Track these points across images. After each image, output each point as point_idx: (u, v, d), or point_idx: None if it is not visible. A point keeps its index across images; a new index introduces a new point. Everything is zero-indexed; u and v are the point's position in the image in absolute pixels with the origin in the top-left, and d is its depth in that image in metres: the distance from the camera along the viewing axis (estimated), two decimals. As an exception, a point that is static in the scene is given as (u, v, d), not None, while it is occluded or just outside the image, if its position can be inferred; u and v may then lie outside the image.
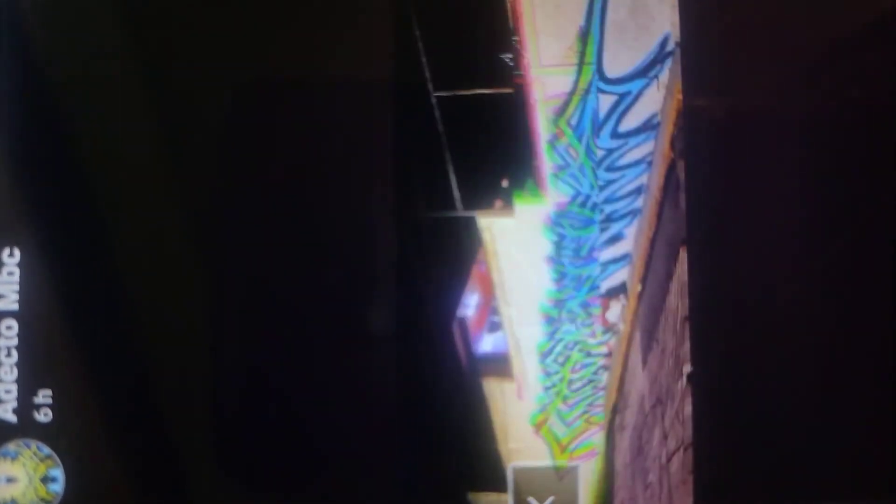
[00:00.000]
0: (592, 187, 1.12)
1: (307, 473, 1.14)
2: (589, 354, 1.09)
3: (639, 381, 1.13)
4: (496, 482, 1.13)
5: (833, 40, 1.15)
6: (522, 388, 1.13)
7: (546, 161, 1.13)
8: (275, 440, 1.13)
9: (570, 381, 1.09)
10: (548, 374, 1.09)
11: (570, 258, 1.13)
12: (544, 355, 1.10)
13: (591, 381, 1.10)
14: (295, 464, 1.13)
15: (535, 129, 1.12)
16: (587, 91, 1.10)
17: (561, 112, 1.10)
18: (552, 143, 1.12)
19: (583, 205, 1.13)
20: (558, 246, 1.13)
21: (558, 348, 1.10)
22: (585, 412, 1.10)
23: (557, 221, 1.13)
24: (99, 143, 1.12)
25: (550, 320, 1.11)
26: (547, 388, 1.09)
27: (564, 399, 1.09)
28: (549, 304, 1.11)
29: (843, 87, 1.14)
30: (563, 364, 1.09)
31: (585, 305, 1.08)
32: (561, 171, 1.12)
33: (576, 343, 1.09)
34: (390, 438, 1.16)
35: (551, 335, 1.10)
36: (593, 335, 1.09)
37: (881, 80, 1.14)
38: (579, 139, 1.11)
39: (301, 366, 1.12)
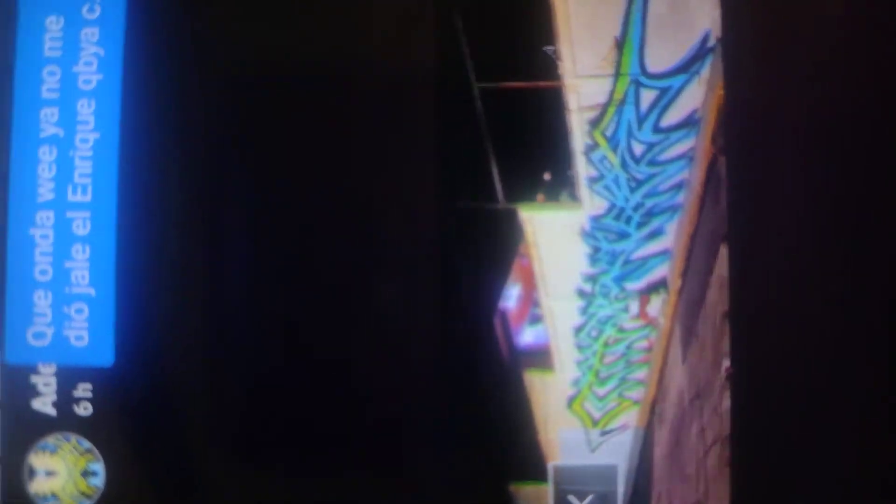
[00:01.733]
0: (627, 199, 1.12)
1: (349, 464, 1.14)
2: (622, 329, 1.10)
3: (678, 376, 1.13)
4: (537, 473, 1.13)
5: (875, 34, 1.14)
6: (558, 364, 1.13)
7: (582, 169, 1.13)
8: (315, 431, 1.12)
9: (604, 356, 1.09)
10: (581, 348, 1.10)
11: (607, 259, 1.13)
12: (578, 330, 1.10)
13: (623, 356, 1.10)
14: (336, 455, 1.12)
15: (572, 135, 1.11)
16: (623, 102, 1.10)
17: (597, 122, 1.10)
18: (588, 153, 1.11)
19: (618, 217, 1.13)
20: (594, 255, 1.13)
21: (592, 323, 1.10)
22: (618, 387, 1.10)
23: (592, 233, 1.13)
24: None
25: (584, 295, 1.11)
26: (580, 363, 1.09)
27: (598, 374, 1.09)
28: (584, 280, 1.11)
29: (885, 81, 1.13)
30: (596, 338, 1.10)
31: (619, 280, 1.08)
32: (596, 182, 1.12)
33: (609, 318, 1.09)
34: (432, 429, 1.15)
35: (584, 310, 1.10)
36: (626, 310, 1.09)
37: None
38: (614, 150, 1.11)
39: (344, 358, 1.12)
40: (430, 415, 1.19)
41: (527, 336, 1.20)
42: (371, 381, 1.17)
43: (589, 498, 1.16)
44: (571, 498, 1.15)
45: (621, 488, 1.17)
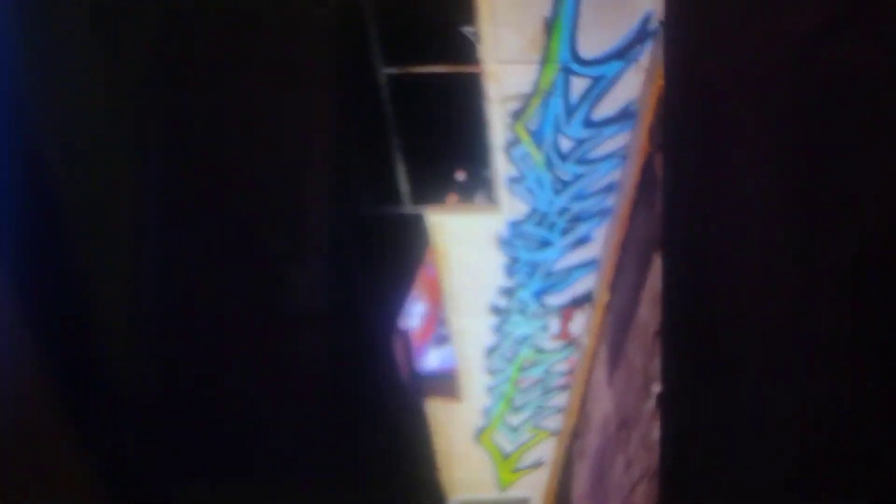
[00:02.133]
0: (551, 203, 0.97)
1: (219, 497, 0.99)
2: (540, 350, 0.94)
3: (602, 402, 0.99)
4: (436, 519, 0.99)
5: (825, 22, 0.99)
6: (466, 391, 0.98)
7: (501, 168, 0.98)
8: (193, 460, 0.97)
9: (519, 381, 0.93)
10: (493, 373, 0.94)
11: (526, 270, 0.98)
12: (490, 351, 0.94)
13: (541, 381, 0.95)
14: (225, 490, 0.98)
15: (490, 129, 0.96)
16: (550, 92, 0.95)
17: (519, 115, 0.95)
18: (508, 149, 0.96)
19: (540, 223, 0.98)
20: (511, 266, 0.98)
21: (507, 343, 0.94)
22: (534, 417, 0.95)
23: (511, 241, 0.98)
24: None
25: (498, 312, 0.96)
26: (491, 389, 0.94)
27: (511, 402, 0.93)
28: (499, 295, 0.95)
29: (837, 69, 0.98)
30: (510, 360, 0.94)
31: (538, 295, 0.93)
32: (517, 182, 0.96)
33: (526, 337, 0.94)
34: (317, 465, 1.01)
35: (498, 328, 0.94)
36: (545, 328, 0.93)
37: (875, 62, 0.99)
38: (539, 146, 0.95)
39: (224, 386, 0.97)
40: (315, 450, 1.06)
41: (431, 359, 1.06)
42: (249, 408, 1.04)
43: (498, 536, 1.03)
44: (477, 536, 1.02)
45: (535, 528, 1.04)
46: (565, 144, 1.07)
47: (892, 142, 1.15)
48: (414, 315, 1.10)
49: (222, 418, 1.07)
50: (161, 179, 1.06)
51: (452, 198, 1.03)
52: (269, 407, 1.05)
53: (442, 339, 1.14)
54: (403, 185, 1.01)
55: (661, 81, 1.10)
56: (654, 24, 1.10)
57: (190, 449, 1.08)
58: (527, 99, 1.05)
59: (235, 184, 1.04)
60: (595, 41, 1.11)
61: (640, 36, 1.11)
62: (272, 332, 1.04)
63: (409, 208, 1.02)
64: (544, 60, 1.07)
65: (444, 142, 1.04)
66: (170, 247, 1.08)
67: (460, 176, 1.03)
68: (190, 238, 1.07)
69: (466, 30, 1.04)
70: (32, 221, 1.05)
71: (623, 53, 1.10)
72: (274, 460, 1.05)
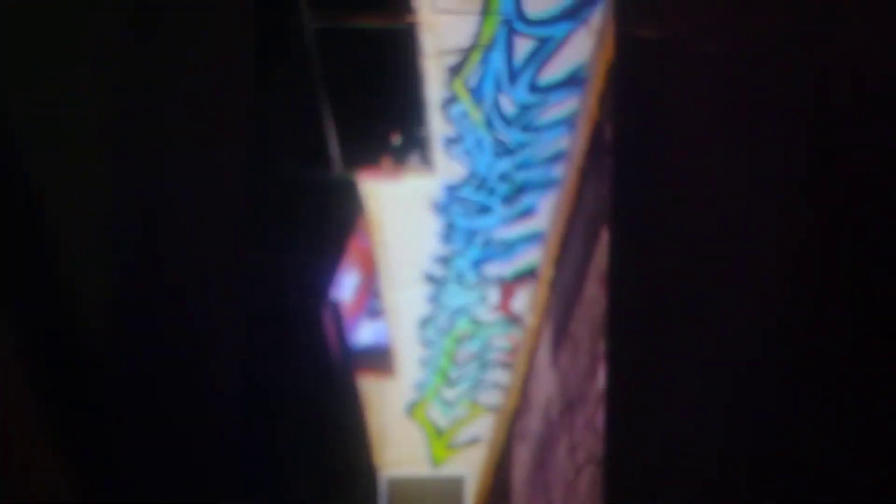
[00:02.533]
0: (491, 167, 0.91)
1: (144, 473, 0.95)
2: (478, 323, 0.89)
3: (546, 383, 0.95)
4: (368, 493, 0.94)
5: None
6: (398, 364, 0.93)
7: (437, 128, 0.92)
8: (111, 435, 0.93)
9: (455, 354, 0.88)
10: (428, 345, 0.89)
11: (463, 238, 0.93)
12: (424, 323, 0.89)
13: (478, 354, 0.90)
14: (132, 461, 0.93)
15: (426, 85, 0.91)
16: (491, 47, 0.89)
17: (457, 70, 0.89)
18: (445, 108, 0.90)
19: (479, 187, 0.92)
20: (447, 234, 0.92)
21: (441, 316, 0.89)
22: (471, 391, 0.90)
23: (447, 207, 0.93)
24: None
25: (433, 281, 0.91)
26: (425, 362, 0.89)
27: (446, 376, 0.88)
28: (434, 263, 0.90)
29: (789, 39, 0.96)
30: (446, 332, 0.89)
31: (477, 264, 0.88)
32: (454, 144, 0.91)
33: (462, 308, 0.88)
34: (241, 441, 0.96)
35: (434, 299, 0.89)
36: (484, 300, 0.88)
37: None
38: (478, 105, 0.90)
39: (137, 359, 0.91)
40: (238, 426, 1.01)
41: (363, 334, 1.01)
42: (169, 384, 0.98)
43: (430, 517, 0.99)
44: (408, 515, 0.98)
45: (469, 504, 1.00)
46: (509, 109, 1.02)
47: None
48: (345, 287, 1.06)
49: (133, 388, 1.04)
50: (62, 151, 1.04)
51: (386, 160, 0.98)
52: (185, 385, 1.01)
53: (375, 313, 1.10)
54: (333, 146, 0.97)
55: (613, 44, 1.05)
56: None
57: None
58: (466, 53, 1.00)
59: (151, 142, 0.99)
60: (540, 1, 1.07)
61: None
62: (188, 309, 1.00)
63: (339, 173, 0.97)
64: (485, 11, 1.02)
65: (377, 100, 0.99)
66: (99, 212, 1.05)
67: (394, 138, 0.98)
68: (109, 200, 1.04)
69: None
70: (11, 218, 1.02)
71: (572, 14, 1.05)
72: (189, 444, 1.02)
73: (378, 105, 0.97)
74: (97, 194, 1.02)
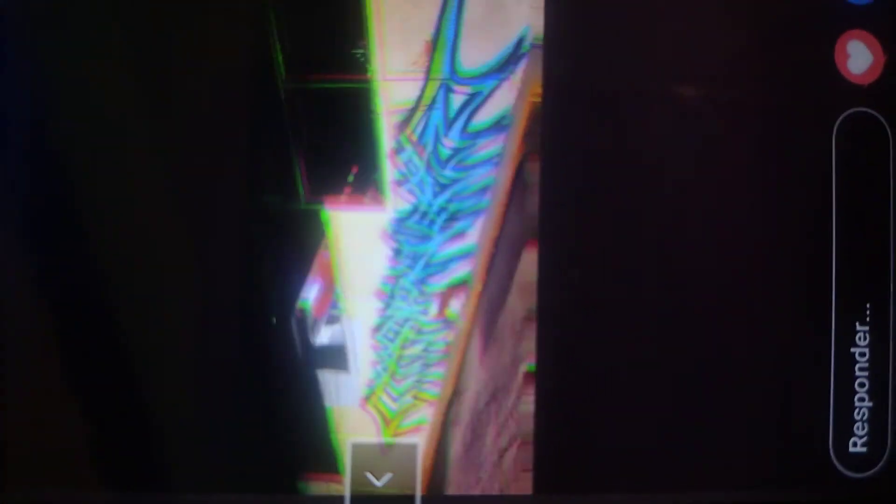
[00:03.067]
0: (431, 203, 1.12)
1: (141, 463, 1.13)
2: (420, 332, 1.11)
3: (475, 377, 1.15)
4: (329, 465, 1.14)
5: (706, 36, 1.16)
6: (353, 366, 1.14)
7: (388, 171, 1.13)
8: (108, 425, 1.12)
9: (400, 358, 1.10)
10: (378, 351, 1.11)
11: (408, 261, 1.14)
12: (375, 331, 1.11)
13: (420, 359, 1.12)
14: (129, 451, 1.12)
15: (380, 134, 1.11)
16: (432, 105, 1.10)
17: (404, 125, 1.10)
18: (395, 153, 1.11)
19: (421, 219, 1.14)
20: (395, 257, 1.13)
21: (390, 324, 1.11)
22: (414, 388, 1.12)
23: (394, 235, 1.14)
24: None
25: (383, 297, 1.12)
26: (376, 363, 1.10)
27: (393, 375, 1.10)
28: (385, 281, 1.11)
29: (714, 87, 1.16)
30: (393, 340, 1.11)
31: (419, 283, 1.09)
32: (401, 184, 1.12)
33: (407, 320, 1.10)
34: (224, 424, 1.15)
35: (383, 311, 1.11)
36: (425, 313, 1.10)
37: (751, 76, 1.24)
38: (421, 152, 1.11)
39: (136, 352, 1.11)
40: (222, 410, 1.19)
41: (323, 335, 1.20)
42: (163, 374, 1.17)
43: (387, 476, 1.18)
44: (369, 475, 1.16)
45: (420, 473, 1.19)
46: (445, 151, 1.15)
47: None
48: (310, 295, 1.18)
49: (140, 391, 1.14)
50: (63, 170, 1.13)
51: (345, 196, 1.10)
52: (184, 376, 1.11)
53: (333, 318, 1.20)
54: (302, 182, 1.08)
55: (535, 98, 1.21)
56: (527, 45, 1.20)
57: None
58: (411, 111, 1.12)
59: (149, 174, 1.10)
60: (472, 60, 1.20)
61: (514, 56, 1.21)
62: (187, 314, 1.10)
63: (307, 203, 1.09)
64: (427, 77, 1.15)
65: (339, 146, 1.10)
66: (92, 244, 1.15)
67: (352, 177, 1.10)
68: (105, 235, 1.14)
69: (357, 50, 1.12)
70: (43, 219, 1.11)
71: (498, 71, 1.19)
72: (187, 424, 1.12)
73: (339, 150, 1.10)
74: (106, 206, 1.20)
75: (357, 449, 1.15)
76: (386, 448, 1.16)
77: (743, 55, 1.20)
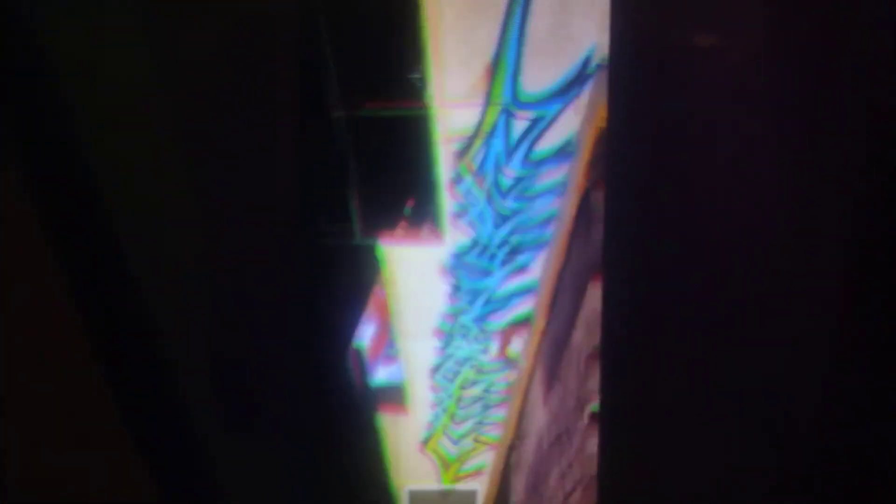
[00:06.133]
0: (492, 236, 1.08)
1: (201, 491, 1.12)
2: (480, 372, 1.06)
3: (538, 419, 1.11)
4: (390, 504, 1.12)
5: (774, 59, 1.12)
6: (412, 405, 1.10)
7: (446, 203, 1.08)
8: (176, 463, 1.09)
9: (460, 399, 1.06)
10: (437, 391, 1.06)
11: (468, 297, 1.10)
12: (434, 371, 1.07)
13: (481, 400, 1.07)
14: (184, 492, 1.10)
15: (437, 164, 1.07)
16: (492, 132, 1.05)
17: (463, 153, 1.05)
18: (453, 185, 1.07)
19: (481, 254, 1.09)
20: (454, 293, 1.09)
21: (449, 364, 1.06)
22: (475, 431, 1.08)
23: (453, 270, 1.10)
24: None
25: (442, 335, 1.08)
26: (436, 404, 1.06)
27: (453, 417, 1.06)
28: (442, 319, 1.07)
29: (781, 110, 1.12)
30: (452, 381, 1.07)
31: (479, 321, 1.05)
32: (460, 216, 1.07)
33: (467, 360, 1.06)
34: (283, 466, 1.13)
35: (442, 350, 1.06)
36: (485, 352, 1.06)
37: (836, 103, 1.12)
38: (481, 183, 1.06)
39: (191, 390, 1.08)
40: (281, 453, 1.17)
41: (381, 375, 1.17)
42: (216, 414, 1.15)
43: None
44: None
45: (481, 514, 1.16)
46: (506, 181, 1.12)
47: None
48: (366, 335, 1.15)
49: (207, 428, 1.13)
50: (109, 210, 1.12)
51: (401, 229, 1.07)
52: (245, 413, 1.11)
53: (390, 358, 1.18)
54: (356, 217, 1.06)
55: (601, 122, 1.17)
56: (592, 66, 1.16)
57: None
58: (470, 139, 1.09)
59: (204, 220, 1.09)
60: (535, 83, 1.17)
61: (580, 77, 1.17)
62: (242, 350, 1.09)
63: (361, 239, 1.06)
64: (487, 102, 1.12)
65: (394, 178, 1.08)
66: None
67: (408, 209, 1.07)
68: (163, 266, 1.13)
69: (414, 75, 1.09)
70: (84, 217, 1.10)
71: (562, 94, 1.15)
72: (242, 468, 1.11)
73: (394, 182, 1.07)
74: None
75: (415, 496, 1.12)
76: (445, 495, 1.13)
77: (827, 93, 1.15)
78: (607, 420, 1.07)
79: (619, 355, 1.07)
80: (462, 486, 1.00)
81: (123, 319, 1.05)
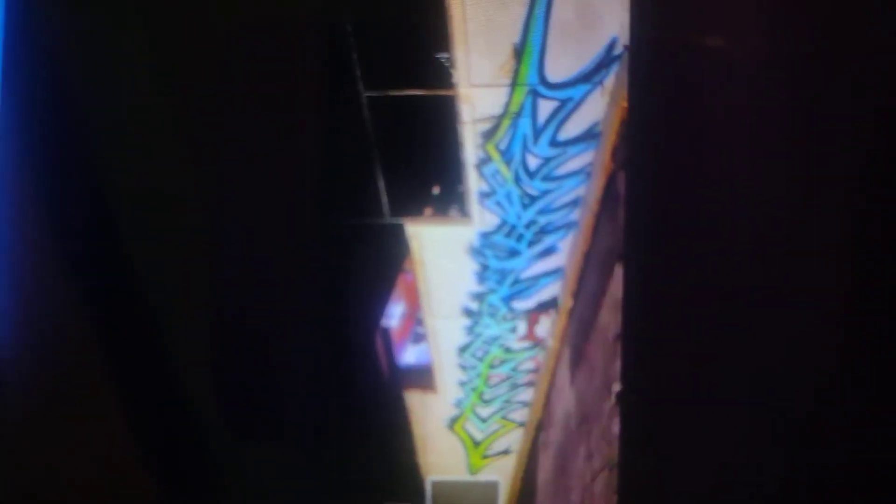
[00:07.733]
0: (519, 216, 1.10)
1: (225, 478, 1.13)
2: (508, 351, 1.08)
3: (565, 399, 1.12)
4: (413, 494, 1.13)
5: (792, 46, 1.13)
6: (440, 384, 1.12)
7: (473, 184, 1.10)
8: (198, 446, 1.12)
9: (488, 378, 1.08)
10: (465, 369, 1.08)
11: (495, 277, 1.12)
12: (462, 350, 1.09)
13: (509, 378, 1.09)
14: (212, 470, 1.12)
15: (463, 147, 1.09)
16: (519, 114, 1.07)
17: (490, 135, 1.07)
18: (480, 166, 1.09)
19: (508, 234, 1.11)
20: (482, 273, 1.11)
21: (477, 344, 1.08)
22: (502, 409, 1.09)
23: (481, 251, 1.11)
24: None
25: (470, 314, 1.10)
26: (463, 383, 1.08)
27: (481, 395, 1.08)
28: (470, 299, 1.09)
29: (801, 96, 1.12)
30: (481, 359, 1.08)
31: (507, 300, 1.07)
32: (487, 197, 1.09)
33: (495, 338, 1.08)
34: (308, 446, 1.15)
35: (470, 329, 1.08)
36: (513, 330, 1.08)
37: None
38: (508, 164, 1.08)
39: (219, 369, 1.10)
40: (308, 432, 1.19)
41: (409, 355, 1.19)
42: (250, 391, 1.16)
43: (468, 514, 1.17)
44: (450, 514, 1.15)
45: (502, 504, 1.17)
46: (533, 162, 1.13)
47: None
48: (394, 315, 1.17)
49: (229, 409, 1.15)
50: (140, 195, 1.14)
51: (428, 210, 1.08)
52: (269, 397, 1.12)
53: (418, 338, 1.19)
54: (384, 198, 1.07)
55: (624, 104, 1.17)
56: (618, 50, 1.17)
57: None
58: (497, 120, 1.10)
59: (227, 200, 1.11)
60: (562, 66, 1.18)
61: (606, 61, 1.18)
62: (269, 331, 1.10)
63: (388, 219, 1.08)
64: (514, 84, 1.13)
65: (421, 159, 1.09)
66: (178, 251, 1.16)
67: (436, 190, 1.08)
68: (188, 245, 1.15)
69: (441, 56, 1.10)
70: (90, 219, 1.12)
71: (589, 77, 1.16)
72: (272, 439, 1.12)
73: (422, 163, 1.08)
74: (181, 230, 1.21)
75: (437, 486, 1.14)
76: (467, 486, 1.15)
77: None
78: (628, 404, 1.08)
79: (639, 340, 1.08)
80: (483, 477, 1.02)
81: (136, 308, 1.07)
